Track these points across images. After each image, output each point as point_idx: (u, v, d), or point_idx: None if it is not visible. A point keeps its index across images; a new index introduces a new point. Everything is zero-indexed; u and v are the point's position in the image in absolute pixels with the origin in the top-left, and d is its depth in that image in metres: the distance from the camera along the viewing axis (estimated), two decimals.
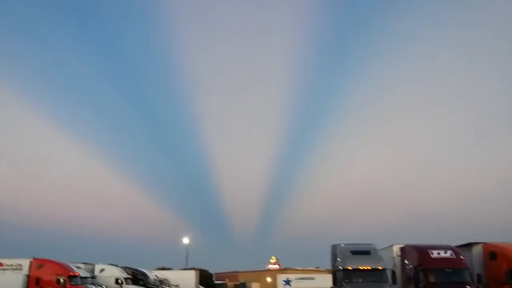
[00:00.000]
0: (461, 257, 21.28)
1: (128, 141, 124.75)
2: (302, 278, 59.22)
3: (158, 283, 42.36)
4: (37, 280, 29.97)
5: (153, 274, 44.65)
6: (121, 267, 39.41)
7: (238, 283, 75.37)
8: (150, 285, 40.33)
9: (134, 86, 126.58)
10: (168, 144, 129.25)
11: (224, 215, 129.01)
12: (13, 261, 30.92)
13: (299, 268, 79.31)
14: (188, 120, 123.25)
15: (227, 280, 76.58)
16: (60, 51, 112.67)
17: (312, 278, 59.19)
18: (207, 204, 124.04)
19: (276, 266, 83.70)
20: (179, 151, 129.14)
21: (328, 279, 54.33)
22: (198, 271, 54.88)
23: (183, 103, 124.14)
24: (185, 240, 67.37)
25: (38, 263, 30.95)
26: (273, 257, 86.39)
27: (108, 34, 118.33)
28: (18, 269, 30.59)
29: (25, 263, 30.84)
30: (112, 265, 38.66)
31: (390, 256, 24.21)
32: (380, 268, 20.81)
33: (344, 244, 23.27)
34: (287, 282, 58.86)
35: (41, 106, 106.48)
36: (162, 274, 48.98)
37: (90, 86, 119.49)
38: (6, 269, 30.61)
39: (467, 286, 19.44)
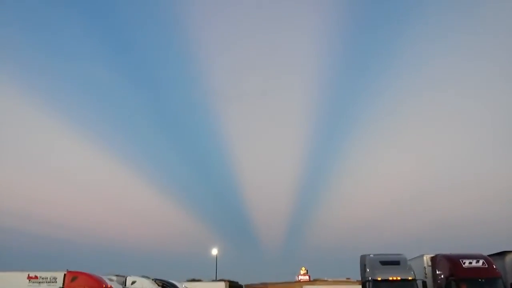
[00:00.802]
0: (494, 266, 20.85)
1: (155, 154, 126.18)
2: None
3: None
4: None
5: (183, 286, 45.12)
6: (152, 279, 39.98)
7: None
8: None
9: (161, 103, 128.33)
10: (195, 156, 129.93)
11: (252, 225, 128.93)
12: (48, 274, 31.59)
13: (329, 279, 78.66)
14: (213, 131, 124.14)
15: None
16: (87, 65, 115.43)
17: None
18: (235, 215, 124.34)
19: (306, 277, 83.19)
20: (206, 163, 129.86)
21: None
22: (227, 283, 55.13)
23: (208, 112, 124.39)
24: (214, 252, 67.77)
25: (72, 275, 31.60)
26: (303, 268, 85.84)
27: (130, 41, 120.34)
28: (52, 282, 31.23)
29: (59, 276, 31.51)
30: (143, 277, 39.24)
31: (421, 266, 23.87)
32: (410, 278, 20.55)
33: (373, 254, 23.07)
34: None
35: (74, 123, 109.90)
36: (192, 286, 49.47)
37: (116, 95, 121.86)
38: (41, 282, 31.30)
39: None
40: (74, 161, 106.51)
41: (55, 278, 31.34)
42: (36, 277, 31.50)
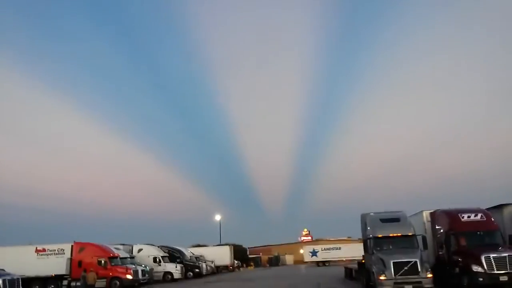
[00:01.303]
0: (492, 219, 21.17)
1: (157, 126, 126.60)
2: (328, 249, 60.01)
3: (194, 259, 43.68)
4: (79, 263, 31.25)
5: (189, 251, 46.06)
6: (158, 246, 40.76)
7: (271, 256, 76.77)
8: (186, 262, 41.64)
9: (161, 78, 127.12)
10: (198, 127, 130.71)
11: (254, 190, 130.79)
12: (56, 246, 32.32)
13: (331, 239, 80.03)
14: (215, 100, 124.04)
15: (261, 253, 78.11)
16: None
17: (338, 248, 59.92)
18: (237, 181, 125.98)
19: (309, 238, 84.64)
20: (208, 132, 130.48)
21: (353, 248, 55.74)
22: (232, 246, 56.22)
23: (206, 82, 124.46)
24: (218, 217, 68.80)
25: (79, 246, 32.27)
26: (305, 229, 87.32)
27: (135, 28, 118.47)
28: (60, 254, 31.96)
29: (67, 247, 32.19)
30: (149, 244, 40.00)
31: (421, 222, 24.23)
32: (410, 234, 20.90)
33: (373, 213, 23.38)
34: (314, 253, 59.76)
35: (80, 104, 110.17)
36: (197, 251, 50.46)
37: (118, 75, 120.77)
38: (50, 254, 32.00)
39: (499, 248, 19.40)
40: (82, 139, 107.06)
41: (62, 250, 31.99)
42: (44, 249, 32.14)
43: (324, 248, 60.22)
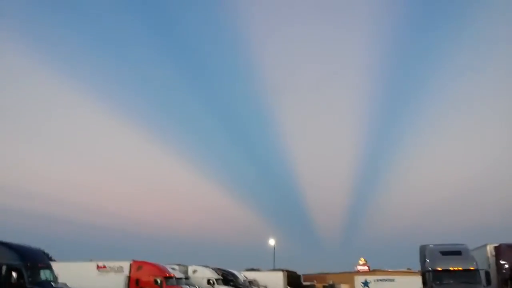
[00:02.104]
0: None
1: (215, 149, 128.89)
2: (381, 280, 58.01)
3: (247, 283, 43.61)
4: (137, 281, 31.96)
5: (242, 275, 46.01)
6: (212, 268, 41.10)
7: (326, 284, 75.19)
8: (239, 286, 41.64)
9: (223, 104, 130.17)
10: (253, 149, 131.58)
11: (310, 216, 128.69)
12: (115, 264, 33.30)
13: (389, 270, 77.35)
14: (270, 123, 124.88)
15: (315, 281, 76.66)
16: (143, 65, 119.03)
17: (392, 280, 57.80)
18: (293, 206, 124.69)
19: (365, 268, 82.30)
20: (264, 156, 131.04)
21: (409, 280, 53.69)
22: (286, 272, 55.62)
23: (264, 106, 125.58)
24: (272, 242, 68.53)
25: (137, 265, 33.13)
26: (362, 258, 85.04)
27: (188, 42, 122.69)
28: (119, 271, 32.91)
29: (126, 265, 33.11)
30: (204, 266, 40.43)
31: (484, 256, 23.23)
32: (472, 268, 20.00)
33: (433, 244, 22.66)
34: (366, 283, 58.00)
35: (134, 119, 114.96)
36: (251, 275, 50.28)
37: (173, 92, 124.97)
38: (109, 271, 33.08)
39: None
40: (139, 158, 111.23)
41: (121, 267, 32.95)
42: (104, 266, 33.25)
43: (377, 279, 58.36)
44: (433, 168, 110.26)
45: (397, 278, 58.75)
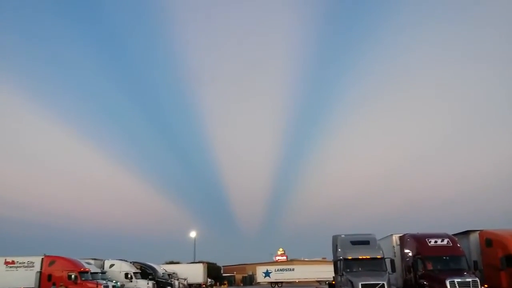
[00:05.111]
0: (458, 244, 21.86)
1: (134, 138, 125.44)
2: (281, 270, 60.85)
3: (167, 276, 43.28)
4: (49, 277, 30.80)
5: (161, 268, 45.61)
6: (130, 262, 40.35)
7: (246, 275, 76.35)
8: (159, 279, 41.22)
9: (144, 94, 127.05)
10: (174, 140, 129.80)
11: (230, 208, 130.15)
12: (25, 259, 31.78)
13: (306, 259, 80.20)
14: (192, 114, 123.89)
15: (235, 272, 77.67)
16: (68, 55, 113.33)
17: (292, 269, 60.87)
18: (214, 198, 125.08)
19: (283, 258, 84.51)
20: (185, 147, 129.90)
21: (307, 269, 57.25)
22: (206, 264, 55.86)
23: (186, 97, 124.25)
24: (193, 234, 68.45)
25: (50, 260, 31.79)
26: (281, 249, 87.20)
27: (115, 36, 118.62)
28: (30, 267, 31.43)
29: (37, 260, 31.69)
30: (121, 260, 39.55)
31: (390, 246, 24.79)
32: (379, 257, 21.36)
33: (344, 235, 23.85)
34: (267, 273, 60.46)
35: (64, 118, 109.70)
36: (170, 268, 50.01)
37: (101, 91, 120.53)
38: (19, 266, 31.47)
39: (464, 273, 19.99)
40: (55, 149, 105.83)
41: (32, 263, 31.50)
42: (13, 262, 31.62)
43: (278, 269, 60.98)
44: (346, 163, 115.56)
45: (296, 267, 62.07)
